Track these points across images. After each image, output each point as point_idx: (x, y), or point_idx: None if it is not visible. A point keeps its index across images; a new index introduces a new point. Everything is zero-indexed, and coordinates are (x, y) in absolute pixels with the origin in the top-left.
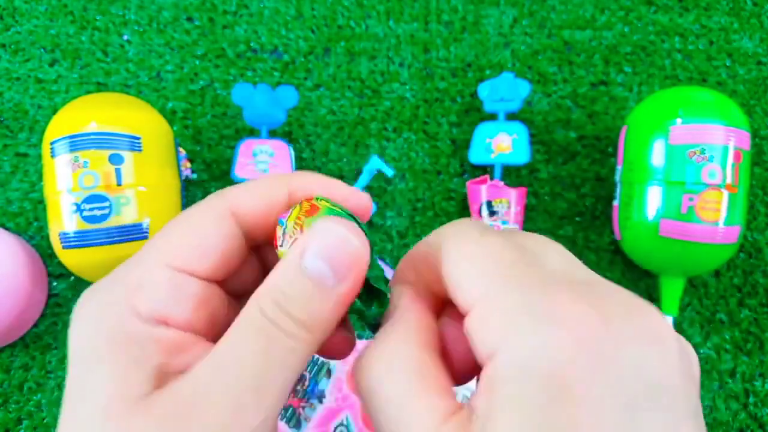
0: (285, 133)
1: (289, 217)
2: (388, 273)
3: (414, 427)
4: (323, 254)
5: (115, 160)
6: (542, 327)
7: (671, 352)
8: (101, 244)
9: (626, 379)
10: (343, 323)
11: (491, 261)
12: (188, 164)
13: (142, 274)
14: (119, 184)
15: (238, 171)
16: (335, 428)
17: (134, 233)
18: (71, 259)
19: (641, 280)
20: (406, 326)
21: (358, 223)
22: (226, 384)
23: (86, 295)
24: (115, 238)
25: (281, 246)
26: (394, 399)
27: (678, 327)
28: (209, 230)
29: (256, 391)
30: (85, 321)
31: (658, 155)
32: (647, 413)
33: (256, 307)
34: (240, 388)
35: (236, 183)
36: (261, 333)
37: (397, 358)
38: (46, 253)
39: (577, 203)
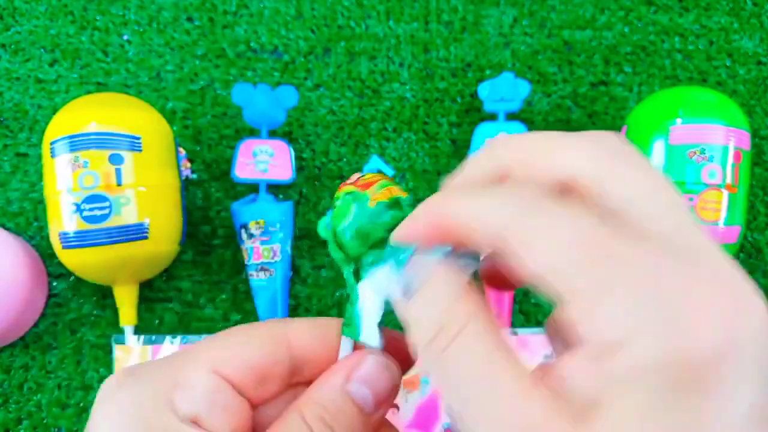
0: (285, 133)
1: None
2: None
3: (501, 387)
4: (367, 381)
5: (115, 160)
6: (679, 322)
7: None
8: (101, 244)
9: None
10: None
11: (576, 251)
12: (188, 164)
13: (189, 374)
14: (119, 184)
15: (238, 171)
16: None
17: (134, 233)
18: (71, 259)
19: None
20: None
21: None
22: None
23: (124, 381)
24: (115, 238)
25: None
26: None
27: None
28: (262, 350)
29: None
30: (122, 407)
31: (658, 155)
32: None
33: (300, 420)
34: None
35: (236, 183)
36: None
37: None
38: (46, 253)
39: None
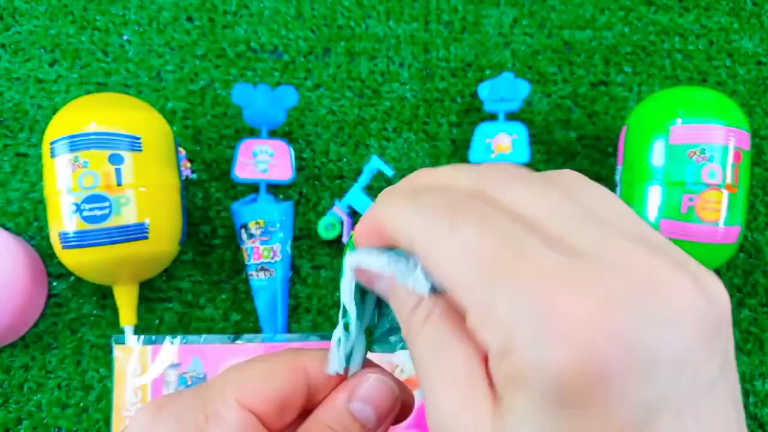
0: (285, 133)
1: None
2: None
3: (446, 368)
4: (369, 399)
5: (115, 160)
6: (542, 336)
7: (687, 327)
8: (101, 244)
9: (634, 382)
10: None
11: (473, 261)
12: (188, 164)
13: (218, 408)
14: (119, 184)
15: (238, 171)
16: None
17: (134, 233)
18: (71, 259)
19: None
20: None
21: None
22: None
23: (155, 416)
24: (115, 238)
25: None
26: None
27: None
28: (284, 382)
29: None
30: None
31: (658, 155)
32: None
33: None
34: None
35: (236, 183)
36: None
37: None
38: (46, 253)
39: None
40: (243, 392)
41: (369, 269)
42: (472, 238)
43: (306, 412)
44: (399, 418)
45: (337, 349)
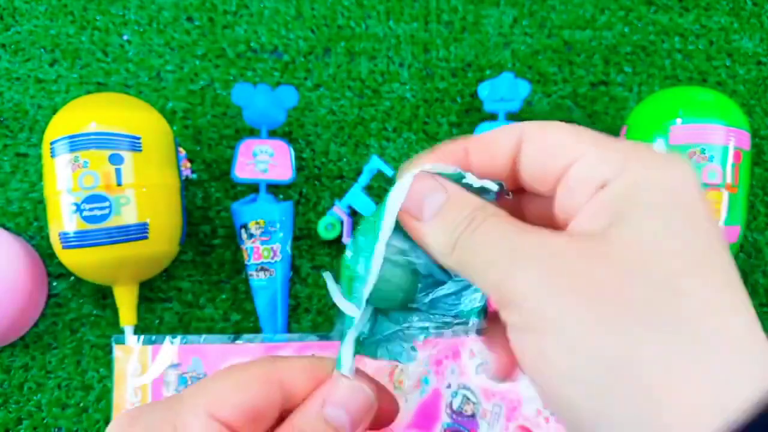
0: (285, 133)
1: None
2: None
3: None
4: (342, 404)
5: (115, 160)
6: (663, 160)
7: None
8: (101, 244)
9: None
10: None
11: (591, 132)
12: (188, 164)
13: (188, 420)
14: (119, 184)
15: (238, 171)
16: None
17: (134, 233)
18: (71, 259)
19: None
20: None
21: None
22: None
23: (128, 424)
24: (115, 238)
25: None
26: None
27: None
28: (256, 393)
29: None
30: None
31: None
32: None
33: None
34: None
35: (236, 183)
36: None
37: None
38: (46, 253)
39: None
40: (213, 403)
41: (440, 172)
42: (572, 128)
43: (282, 418)
44: (380, 424)
45: (352, 346)
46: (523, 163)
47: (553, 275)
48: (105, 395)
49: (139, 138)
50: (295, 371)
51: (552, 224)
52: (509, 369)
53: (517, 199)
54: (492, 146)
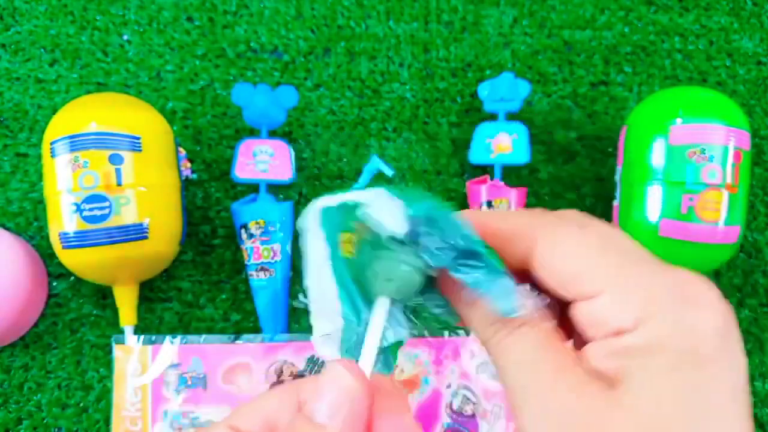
0: (285, 133)
1: None
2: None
3: (544, 372)
4: (325, 400)
5: (115, 160)
6: (684, 307)
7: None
8: (101, 244)
9: (738, 358)
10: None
11: (611, 249)
12: (188, 164)
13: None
14: (119, 184)
15: (238, 171)
16: None
17: (134, 233)
18: (71, 259)
19: None
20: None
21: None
22: None
23: None
24: (115, 238)
25: None
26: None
27: None
28: (274, 401)
29: None
30: None
31: (658, 155)
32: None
33: None
34: None
35: (236, 183)
36: None
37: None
38: (46, 253)
39: (577, 203)
40: (232, 416)
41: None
42: (605, 234)
43: None
44: None
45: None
46: (536, 273)
47: (564, 420)
48: (105, 395)
49: (139, 138)
50: (311, 384)
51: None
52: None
53: None
54: (503, 246)
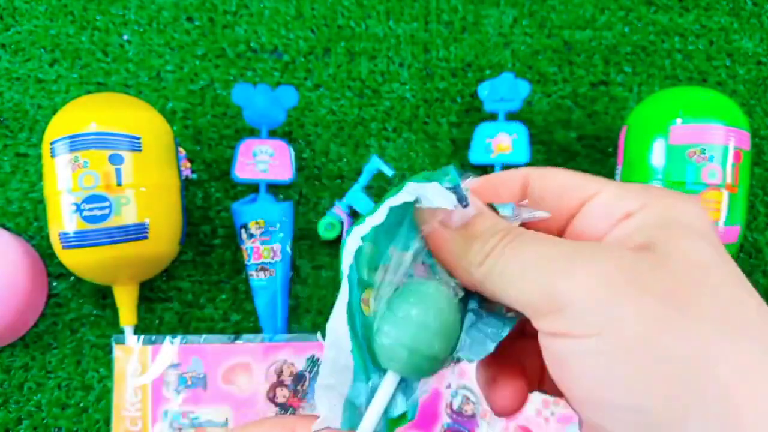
0: (285, 133)
1: None
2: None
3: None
4: None
5: (115, 160)
6: (676, 197)
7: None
8: (101, 244)
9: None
10: None
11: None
12: (188, 164)
13: None
14: (119, 184)
15: (238, 171)
16: None
17: (134, 233)
18: (71, 259)
19: None
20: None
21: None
22: None
23: None
24: (115, 238)
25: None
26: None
27: None
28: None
29: None
30: None
31: (658, 155)
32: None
33: None
34: None
35: (236, 183)
36: None
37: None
38: (46, 253)
39: None
40: None
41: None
42: None
43: None
44: None
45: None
46: (534, 202)
47: (613, 275)
48: (105, 395)
49: (139, 138)
50: (309, 424)
51: None
52: (518, 400)
53: None
54: (497, 188)
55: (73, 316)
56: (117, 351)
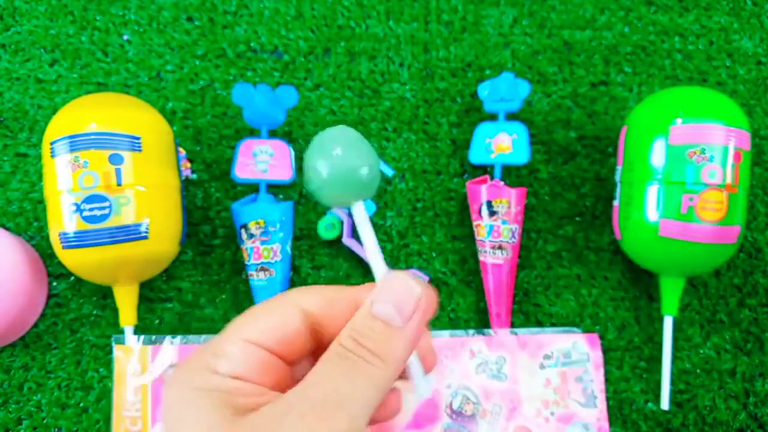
0: (285, 133)
1: None
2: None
3: None
4: (390, 300)
5: (115, 160)
6: None
7: None
8: (101, 244)
9: None
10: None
11: None
12: (188, 164)
13: (222, 345)
14: (119, 184)
15: (238, 171)
16: None
17: (134, 233)
18: (71, 259)
19: (641, 280)
20: None
21: None
22: (313, 399)
23: (173, 372)
24: (115, 238)
25: None
26: None
27: (678, 327)
28: (281, 317)
29: (340, 401)
30: (179, 381)
31: (658, 155)
32: None
33: (337, 343)
34: (325, 401)
35: (236, 183)
36: (342, 358)
37: None
38: (46, 253)
39: (577, 203)
40: (244, 331)
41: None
42: None
43: (321, 350)
44: (385, 417)
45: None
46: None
47: None
48: (105, 395)
49: (139, 138)
50: (312, 299)
51: None
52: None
53: None
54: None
55: (73, 316)
56: (117, 351)
